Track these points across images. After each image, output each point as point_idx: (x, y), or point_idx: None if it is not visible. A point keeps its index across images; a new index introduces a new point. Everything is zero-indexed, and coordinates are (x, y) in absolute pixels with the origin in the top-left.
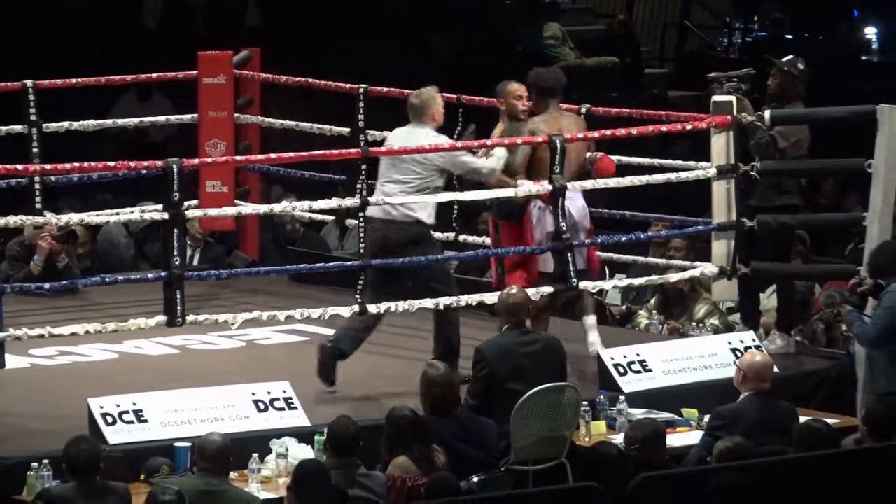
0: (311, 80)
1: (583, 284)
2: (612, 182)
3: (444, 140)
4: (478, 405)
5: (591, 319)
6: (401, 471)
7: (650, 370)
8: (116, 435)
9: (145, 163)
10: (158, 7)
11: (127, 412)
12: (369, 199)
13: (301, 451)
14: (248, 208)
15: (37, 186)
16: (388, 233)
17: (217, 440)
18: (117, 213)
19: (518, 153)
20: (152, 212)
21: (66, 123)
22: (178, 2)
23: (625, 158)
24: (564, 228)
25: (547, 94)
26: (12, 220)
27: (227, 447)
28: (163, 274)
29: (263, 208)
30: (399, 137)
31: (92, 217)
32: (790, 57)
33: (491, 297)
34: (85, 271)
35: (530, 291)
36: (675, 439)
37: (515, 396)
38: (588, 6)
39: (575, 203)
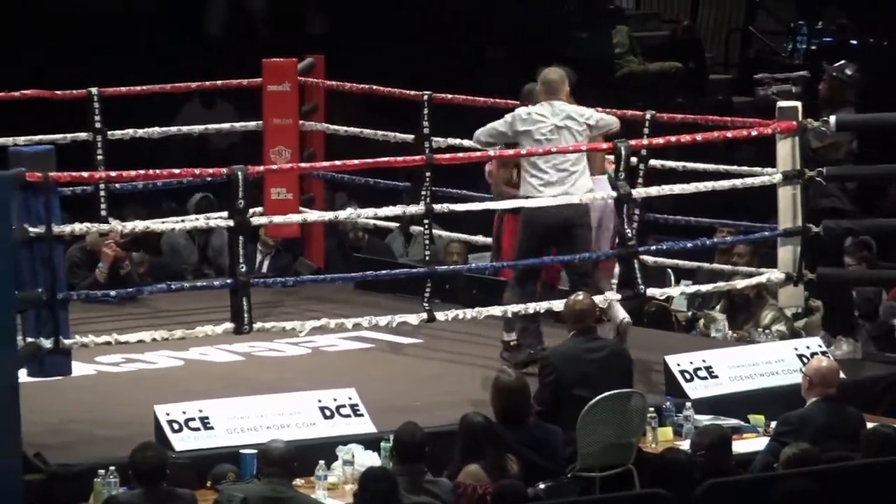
0: (375, 87)
1: (649, 291)
2: (678, 188)
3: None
4: (544, 411)
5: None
6: (471, 478)
7: (716, 376)
8: (183, 442)
9: (210, 170)
10: (222, 16)
11: (193, 419)
12: (434, 206)
13: (367, 458)
14: (312, 215)
15: (102, 194)
16: (569, 214)
17: (280, 446)
18: (182, 221)
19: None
20: (217, 219)
21: (130, 131)
22: (241, 10)
23: (690, 164)
24: (630, 235)
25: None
26: (78, 227)
27: (290, 453)
28: (229, 281)
29: (328, 215)
30: (560, 112)
31: (157, 224)
32: (841, 63)
33: (558, 304)
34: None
35: (597, 299)
36: (741, 445)
37: (582, 403)
38: (652, 11)
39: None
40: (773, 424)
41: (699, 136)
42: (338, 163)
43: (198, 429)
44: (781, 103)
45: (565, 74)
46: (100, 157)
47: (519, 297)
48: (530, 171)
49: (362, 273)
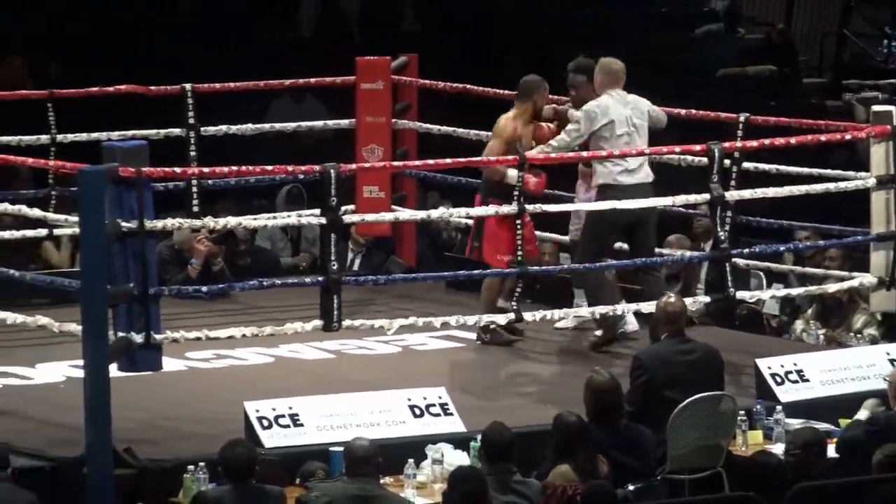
0: (468, 86)
1: (740, 294)
2: (771, 192)
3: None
4: (634, 412)
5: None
6: (561, 479)
7: (808, 380)
8: (272, 438)
9: (303, 167)
10: (314, 15)
11: (283, 416)
12: (526, 206)
13: (456, 457)
14: (404, 214)
15: (194, 190)
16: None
17: (364, 444)
18: (274, 217)
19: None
20: (309, 216)
21: (223, 127)
22: (333, 10)
23: (783, 168)
24: (722, 237)
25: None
26: (170, 222)
27: (373, 451)
28: (320, 279)
29: (420, 214)
30: (633, 103)
31: (249, 220)
32: None
33: (647, 306)
34: (245, 269)
35: (687, 301)
36: (832, 450)
37: (672, 405)
38: (747, 14)
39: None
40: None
41: (793, 140)
42: (430, 161)
43: (287, 426)
44: (876, 107)
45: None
46: (192, 153)
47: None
48: (607, 160)
49: (453, 272)
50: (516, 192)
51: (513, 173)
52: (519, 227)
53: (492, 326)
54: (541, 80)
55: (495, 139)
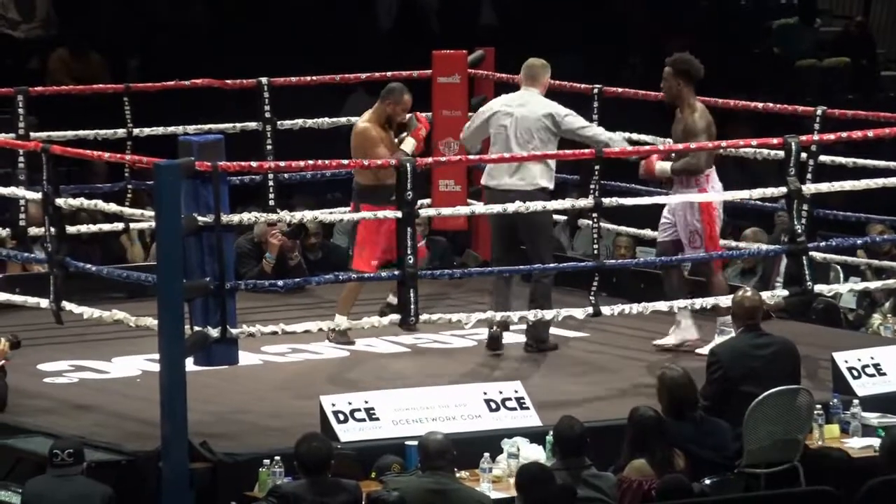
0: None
1: (817, 288)
2: (848, 185)
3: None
4: (711, 407)
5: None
6: (637, 473)
7: (885, 374)
8: (348, 433)
9: (379, 161)
10: (393, 8)
11: (359, 410)
12: (602, 199)
13: (532, 452)
14: (480, 208)
15: (270, 183)
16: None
17: (438, 438)
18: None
19: (703, 157)
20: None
21: (300, 121)
22: (412, 3)
23: (860, 161)
24: (799, 231)
25: (694, 81)
26: (246, 216)
27: (447, 445)
28: (396, 272)
29: (496, 208)
30: (516, 100)
31: (325, 214)
32: None
33: (725, 300)
34: (315, 263)
35: (765, 295)
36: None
37: (749, 399)
38: (824, 7)
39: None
40: None
41: (870, 133)
42: (506, 155)
43: (363, 420)
44: None
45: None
46: (269, 147)
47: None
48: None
49: (529, 266)
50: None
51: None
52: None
53: (343, 328)
54: (402, 88)
55: (373, 148)
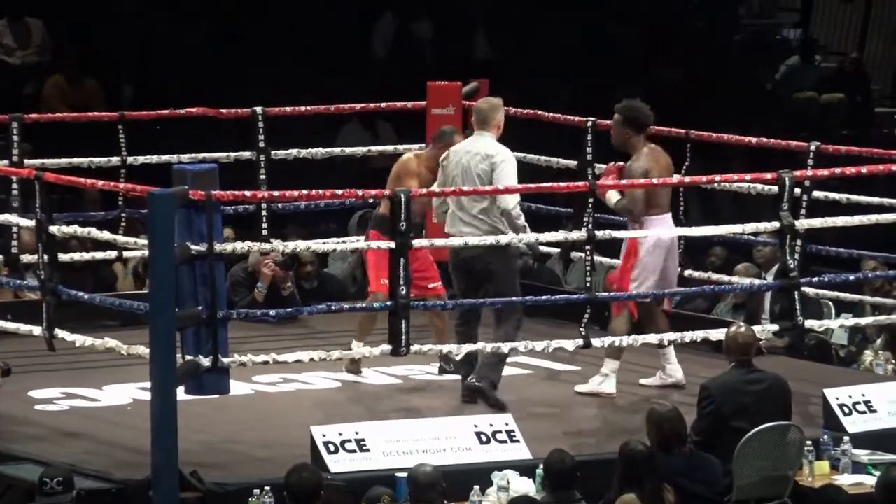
0: (538, 112)
1: (809, 323)
2: (841, 220)
3: (507, 151)
4: (702, 442)
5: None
6: None
7: (875, 410)
8: (338, 463)
9: (373, 192)
10: (388, 39)
11: (349, 441)
12: (596, 232)
13: (522, 485)
14: (474, 240)
15: (263, 213)
16: (468, 255)
17: (429, 470)
18: (343, 241)
19: (637, 197)
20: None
21: (294, 151)
22: (407, 34)
23: (853, 197)
24: (792, 266)
25: (641, 128)
26: (239, 245)
27: (438, 478)
28: (388, 303)
29: (489, 240)
30: (467, 145)
31: (318, 245)
32: None
33: (716, 333)
34: (311, 291)
35: (756, 329)
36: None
37: (739, 435)
38: (820, 44)
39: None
40: None
41: (864, 169)
42: (500, 187)
43: (354, 451)
44: None
45: (499, 104)
46: (262, 177)
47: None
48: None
49: (521, 297)
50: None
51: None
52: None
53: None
54: (453, 130)
55: (407, 179)
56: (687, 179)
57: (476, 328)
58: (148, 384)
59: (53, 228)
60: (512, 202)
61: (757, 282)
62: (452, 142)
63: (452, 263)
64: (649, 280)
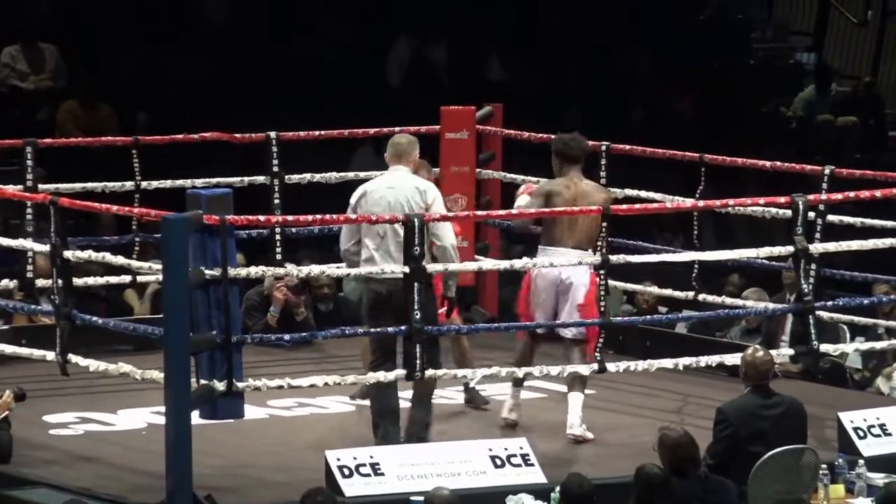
0: (552, 136)
1: (823, 347)
2: (855, 244)
3: (427, 182)
4: (716, 465)
5: (575, 397)
6: None
7: (890, 434)
8: (353, 488)
9: (386, 216)
10: (403, 64)
11: (364, 465)
12: (610, 256)
13: None
14: (488, 264)
15: (277, 237)
16: (392, 289)
17: (444, 494)
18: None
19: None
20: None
21: (308, 175)
22: (422, 59)
23: (867, 221)
24: (806, 290)
25: (570, 161)
26: (253, 270)
27: (453, 501)
28: (402, 328)
29: (503, 264)
30: (386, 182)
31: (332, 269)
32: None
33: (731, 358)
34: (327, 314)
35: (773, 353)
36: None
37: (754, 458)
38: (833, 68)
39: (574, 274)
40: None
41: (878, 193)
42: (514, 211)
43: (368, 475)
44: None
45: (415, 140)
46: (276, 201)
47: None
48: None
49: (535, 322)
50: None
51: None
52: None
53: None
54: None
55: None
56: (701, 203)
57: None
58: (162, 408)
59: (68, 253)
60: (453, 238)
61: (771, 305)
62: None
63: (372, 298)
64: (536, 312)
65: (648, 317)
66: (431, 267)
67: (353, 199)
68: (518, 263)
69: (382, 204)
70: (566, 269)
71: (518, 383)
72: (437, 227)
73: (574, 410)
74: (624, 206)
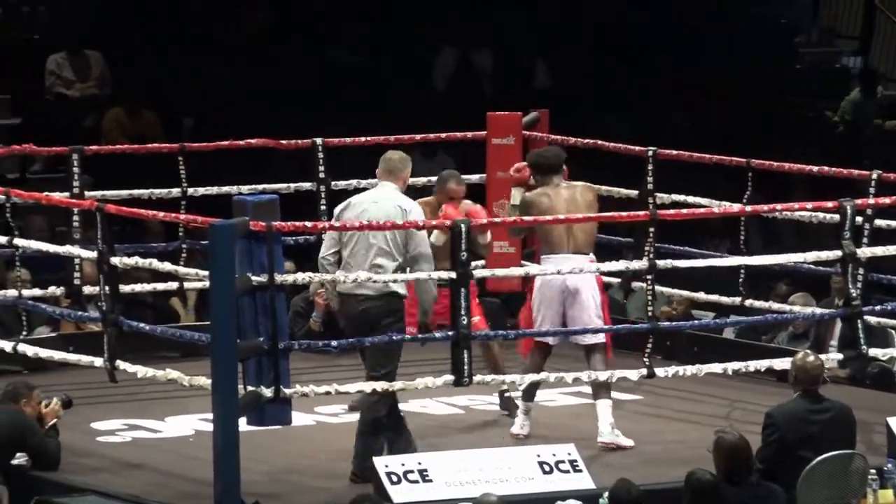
0: (599, 141)
1: (872, 352)
2: None
3: (411, 202)
4: (765, 470)
5: (602, 404)
6: None
7: None
8: (401, 494)
9: (433, 222)
10: (449, 71)
11: (412, 471)
12: (657, 262)
13: None
14: (534, 269)
15: None
16: (369, 307)
17: (493, 500)
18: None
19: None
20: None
21: (354, 181)
22: (467, 66)
23: None
24: (854, 294)
25: (548, 171)
26: (300, 276)
27: None
28: (450, 333)
29: (550, 269)
30: (370, 196)
31: (379, 275)
32: None
33: (780, 363)
34: None
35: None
36: None
37: (803, 463)
38: (880, 71)
39: (580, 278)
40: None
41: None
42: (560, 216)
43: (416, 481)
44: None
45: (408, 158)
46: (323, 208)
47: None
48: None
49: (582, 328)
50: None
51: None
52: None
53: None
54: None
55: None
56: (748, 208)
57: None
58: (210, 415)
59: (114, 260)
60: (429, 252)
61: (819, 310)
62: (446, 189)
63: (347, 313)
64: (545, 323)
65: (696, 322)
66: (479, 273)
67: (336, 210)
68: (565, 268)
69: (363, 218)
70: (571, 275)
71: (529, 397)
72: (416, 241)
73: (604, 418)
74: (671, 212)
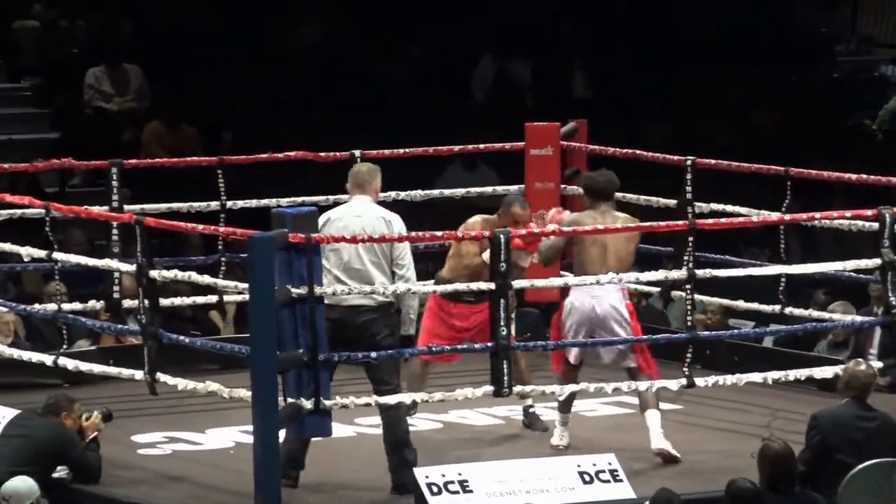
0: (638, 151)
1: None
2: None
3: (392, 213)
4: (807, 473)
5: (651, 414)
6: None
7: None
8: None
9: (472, 233)
10: (487, 82)
11: (452, 482)
12: (696, 271)
13: None
14: (573, 279)
15: None
16: (369, 319)
17: None
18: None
19: (543, 250)
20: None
21: (393, 193)
22: (506, 77)
23: None
24: (894, 303)
25: (598, 196)
26: (339, 288)
27: None
28: (489, 344)
29: (589, 280)
30: (350, 211)
31: (419, 286)
32: None
33: (820, 372)
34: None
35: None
36: None
37: (844, 470)
38: None
39: (603, 299)
40: None
41: None
42: (599, 226)
43: (457, 492)
44: None
45: (377, 169)
46: None
47: None
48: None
49: (623, 338)
50: None
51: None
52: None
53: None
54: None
55: (471, 244)
56: (787, 217)
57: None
58: (250, 427)
59: (154, 273)
60: (412, 265)
61: (858, 318)
62: (511, 213)
63: (345, 325)
64: (572, 351)
65: (736, 331)
66: (518, 283)
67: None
68: (604, 279)
69: (347, 232)
70: (600, 302)
71: (566, 408)
72: (400, 249)
73: (654, 428)
74: (710, 221)
